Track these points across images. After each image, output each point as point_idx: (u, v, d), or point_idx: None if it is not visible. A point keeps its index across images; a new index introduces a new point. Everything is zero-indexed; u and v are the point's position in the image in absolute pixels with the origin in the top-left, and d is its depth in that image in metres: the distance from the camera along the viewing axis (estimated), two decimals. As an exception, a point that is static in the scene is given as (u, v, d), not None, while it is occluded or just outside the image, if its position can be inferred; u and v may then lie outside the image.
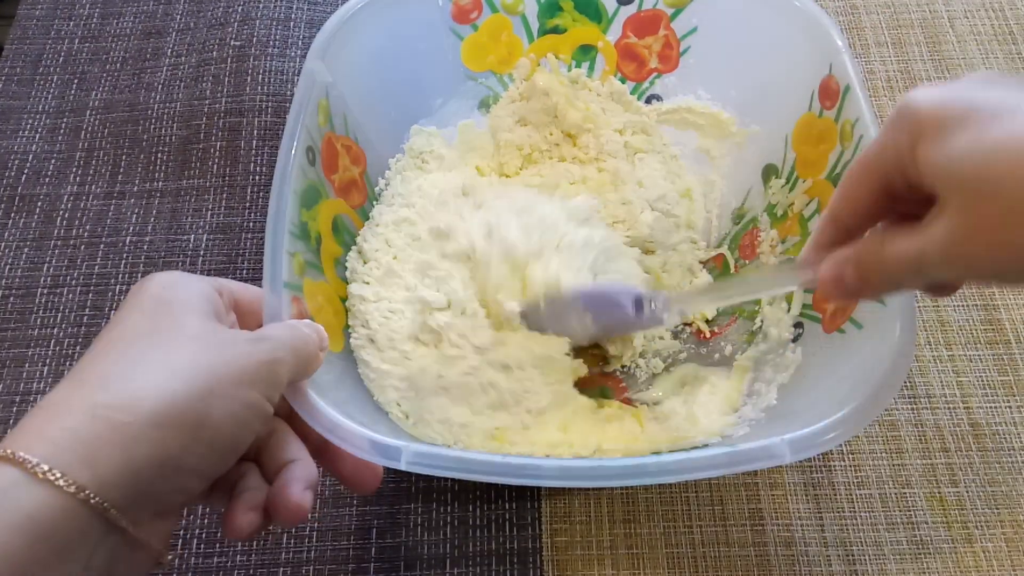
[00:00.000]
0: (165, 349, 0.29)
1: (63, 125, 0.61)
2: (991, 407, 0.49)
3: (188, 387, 0.28)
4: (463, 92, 0.55)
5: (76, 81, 0.63)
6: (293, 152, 0.42)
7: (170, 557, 0.30)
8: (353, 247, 0.48)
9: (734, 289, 0.44)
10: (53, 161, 0.59)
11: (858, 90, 0.43)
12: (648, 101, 0.56)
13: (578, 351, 0.48)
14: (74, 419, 0.26)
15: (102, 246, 0.56)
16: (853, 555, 0.45)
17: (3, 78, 0.63)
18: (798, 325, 0.45)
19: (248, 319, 0.36)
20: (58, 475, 0.24)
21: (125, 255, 0.55)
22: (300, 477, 0.32)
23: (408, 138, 0.54)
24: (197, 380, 0.28)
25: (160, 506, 0.28)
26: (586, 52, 0.55)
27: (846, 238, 0.31)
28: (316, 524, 0.46)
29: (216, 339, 0.30)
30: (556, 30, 0.55)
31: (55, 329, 0.52)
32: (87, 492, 0.25)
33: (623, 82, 0.56)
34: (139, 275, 0.54)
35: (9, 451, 0.25)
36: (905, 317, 0.37)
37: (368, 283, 0.47)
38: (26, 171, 0.59)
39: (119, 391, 0.27)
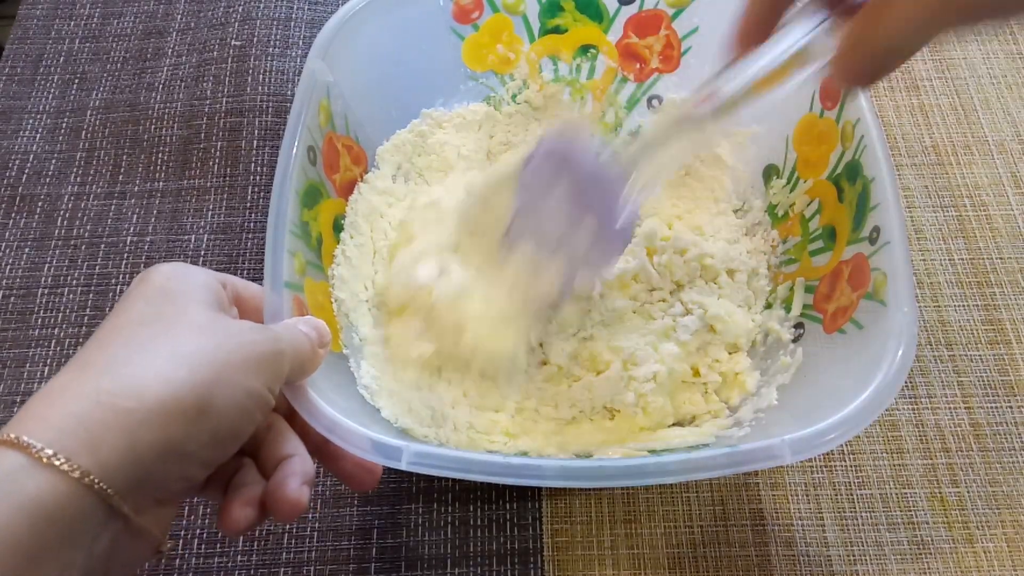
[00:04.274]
0: (170, 337, 0.29)
1: (64, 125, 0.61)
2: (992, 407, 0.49)
3: (193, 374, 0.28)
4: (464, 92, 0.56)
5: (77, 81, 0.63)
6: (294, 152, 0.42)
7: (169, 546, 0.30)
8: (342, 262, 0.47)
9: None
10: (54, 161, 0.59)
11: (859, 90, 0.43)
12: (649, 101, 0.56)
13: None
14: (78, 404, 0.26)
15: (103, 246, 0.56)
16: (854, 555, 0.45)
17: (4, 78, 0.63)
18: (799, 326, 0.45)
19: (250, 316, 0.36)
20: (62, 460, 0.24)
21: (126, 255, 0.55)
22: (297, 472, 0.32)
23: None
24: (202, 368, 0.28)
25: (162, 493, 0.28)
26: (587, 52, 0.55)
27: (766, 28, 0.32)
28: (317, 524, 0.46)
29: (221, 328, 0.30)
30: (557, 30, 0.55)
31: (56, 329, 0.53)
32: (91, 477, 0.25)
33: (624, 82, 0.56)
34: (140, 275, 0.54)
35: (13, 436, 0.25)
36: (906, 317, 0.37)
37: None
38: (27, 171, 0.59)
39: (124, 377, 0.27)
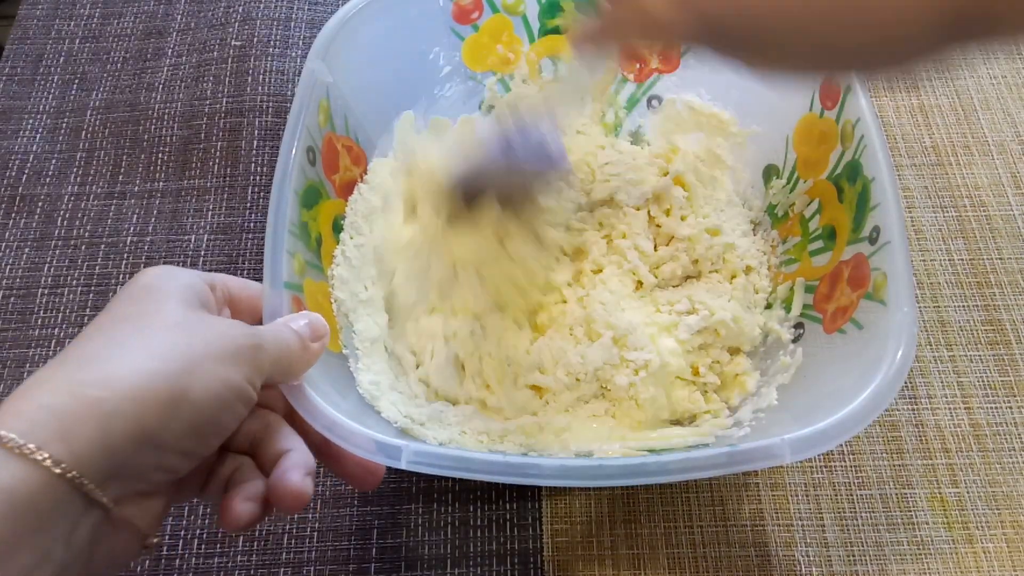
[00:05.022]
0: (145, 333, 0.30)
1: (64, 125, 0.61)
2: (992, 407, 0.49)
3: (166, 365, 0.28)
4: (464, 92, 0.55)
5: (77, 81, 0.63)
6: (294, 152, 0.42)
7: (156, 540, 0.30)
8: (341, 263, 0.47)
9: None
10: (54, 161, 0.59)
11: (859, 90, 0.43)
12: (649, 102, 0.56)
13: None
14: (51, 396, 0.26)
15: (103, 246, 0.56)
16: (854, 556, 0.45)
17: (4, 78, 0.63)
18: (798, 326, 0.45)
19: (245, 316, 0.36)
20: (33, 448, 0.25)
21: (126, 255, 0.55)
22: (300, 464, 0.32)
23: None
24: (175, 359, 0.28)
25: (142, 484, 0.28)
26: (587, 52, 0.55)
27: None
28: (317, 524, 0.46)
29: (196, 323, 0.31)
30: (557, 30, 0.55)
31: (56, 329, 0.53)
32: (63, 466, 0.25)
33: (624, 82, 0.56)
34: (140, 275, 0.54)
35: None
36: (906, 317, 0.37)
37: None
38: (27, 171, 0.59)
39: (97, 369, 0.27)
